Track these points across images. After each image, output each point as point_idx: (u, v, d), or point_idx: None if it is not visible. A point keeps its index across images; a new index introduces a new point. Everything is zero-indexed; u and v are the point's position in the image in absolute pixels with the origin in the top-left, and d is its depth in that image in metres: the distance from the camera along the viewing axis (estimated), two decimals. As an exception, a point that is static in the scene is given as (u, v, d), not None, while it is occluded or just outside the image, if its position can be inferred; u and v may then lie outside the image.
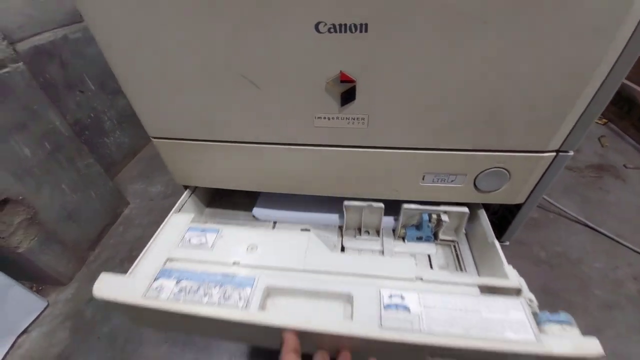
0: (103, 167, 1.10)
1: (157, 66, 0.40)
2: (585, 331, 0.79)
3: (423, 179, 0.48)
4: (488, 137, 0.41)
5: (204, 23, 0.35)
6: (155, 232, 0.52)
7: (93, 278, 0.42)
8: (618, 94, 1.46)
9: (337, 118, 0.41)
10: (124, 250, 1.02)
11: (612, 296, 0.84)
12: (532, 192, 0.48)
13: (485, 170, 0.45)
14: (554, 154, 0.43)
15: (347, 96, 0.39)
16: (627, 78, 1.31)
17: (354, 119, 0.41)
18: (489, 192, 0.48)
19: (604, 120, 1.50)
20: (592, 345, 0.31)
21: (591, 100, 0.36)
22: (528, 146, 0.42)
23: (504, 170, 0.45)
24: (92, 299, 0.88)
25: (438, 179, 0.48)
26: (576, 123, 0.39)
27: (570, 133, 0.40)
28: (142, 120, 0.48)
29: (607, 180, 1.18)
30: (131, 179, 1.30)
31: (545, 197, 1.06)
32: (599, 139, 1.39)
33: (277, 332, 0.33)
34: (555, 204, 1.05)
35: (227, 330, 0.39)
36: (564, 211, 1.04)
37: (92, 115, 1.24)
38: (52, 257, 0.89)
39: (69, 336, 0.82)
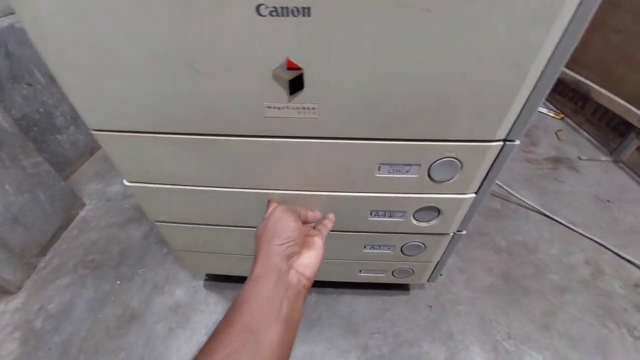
0: (55, 166, 1.02)
1: (92, 52, 0.36)
2: (542, 314, 0.83)
3: (379, 170, 0.47)
4: (438, 126, 0.41)
5: (140, 4, 0.32)
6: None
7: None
8: (574, 90, 1.55)
9: (288, 108, 0.40)
10: (78, 255, 0.95)
11: (566, 280, 0.88)
12: (483, 182, 0.49)
13: (438, 160, 0.45)
14: (501, 143, 0.43)
15: (296, 84, 0.37)
16: (583, 75, 1.38)
17: (304, 109, 0.40)
18: (443, 182, 0.49)
19: (561, 115, 1.59)
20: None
21: (532, 90, 0.37)
22: (476, 136, 0.42)
23: (456, 160, 0.45)
24: (42, 307, 0.83)
25: (393, 170, 0.48)
26: (520, 112, 0.40)
27: (515, 122, 0.41)
28: (78, 110, 0.44)
29: (563, 172, 1.25)
30: (87, 178, 1.22)
31: (506, 188, 1.11)
32: (556, 133, 1.47)
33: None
34: (515, 194, 1.10)
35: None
36: (523, 201, 1.09)
37: (42, 110, 1.15)
38: (-5, 264, 0.82)
39: (18, 347, 0.76)
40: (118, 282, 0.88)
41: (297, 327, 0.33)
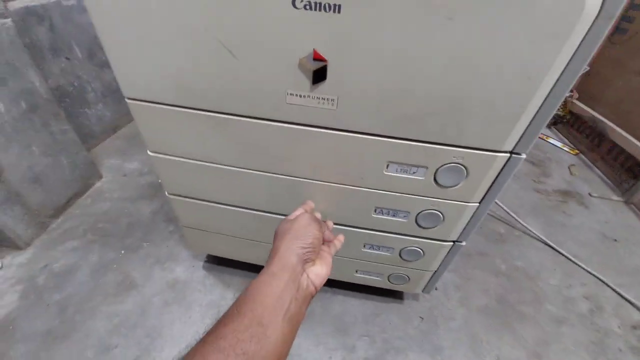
0: (80, 137, 1.08)
1: (137, 23, 0.40)
2: (535, 342, 0.82)
3: (387, 167, 0.50)
4: (448, 131, 0.43)
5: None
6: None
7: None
8: (591, 127, 1.55)
9: (309, 97, 0.43)
10: (89, 222, 0.99)
11: (563, 312, 0.87)
12: (486, 193, 0.51)
13: (445, 164, 0.47)
14: (508, 155, 0.45)
15: (319, 75, 0.40)
16: (601, 114, 1.39)
17: (324, 100, 0.43)
18: (448, 187, 0.50)
19: (576, 150, 1.59)
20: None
21: (542, 104, 0.39)
22: (484, 144, 0.44)
23: (462, 167, 0.47)
24: (47, 266, 0.86)
25: (401, 170, 0.50)
26: (528, 125, 0.42)
27: (522, 135, 0.43)
28: (118, 78, 0.48)
29: (572, 206, 1.24)
30: (108, 153, 1.28)
31: (512, 214, 1.11)
32: (569, 168, 1.47)
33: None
34: (521, 222, 1.09)
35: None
36: (529, 229, 1.09)
37: (76, 84, 1.22)
38: (12, 218, 0.86)
39: (18, 300, 0.79)
40: (123, 251, 0.91)
41: (297, 330, 0.34)
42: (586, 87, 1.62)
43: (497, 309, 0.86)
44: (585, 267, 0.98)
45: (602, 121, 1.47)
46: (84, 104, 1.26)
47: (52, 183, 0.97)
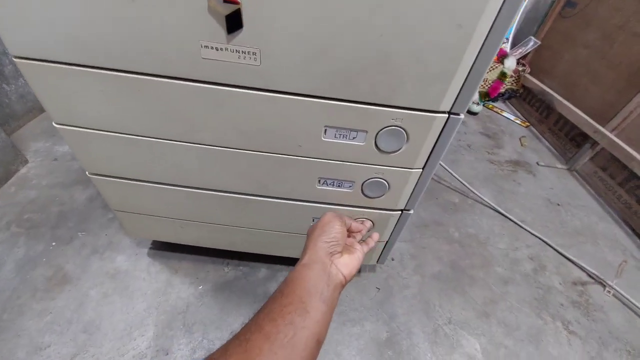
0: (-2, 117, 0.94)
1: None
2: (483, 302, 0.86)
3: (325, 133, 0.46)
4: (382, 89, 0.40)
5: None
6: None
7: None
8: (540, 100, 1.62)
9: (226, 49, 0.37)
10: (13, 213, 0.88)
11: (509, 273, 0.92)
12: (429, 157, 0.49)
13: (384, 128, 0.45)
14: (446, 115, 0.43)
15: (233, 21, 0.35)
16: (550, 87, 1.44)
17: (244, 53, 0.38)
18: (390, 153, 0.48)
19: (527, 123, 1.66)
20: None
21: (477, 57, 0.37)
22: (421, 105, 0.42)
23: (402, 130, 0.45)
24: (-41, 264, 0.75)
25: (340, 135, 0.46)
26: (464, 83, 0.40)
27: (459, 93, 0.41)
28: (0, 32, 0.39)
29: (521, 175, 1.30)
30: (34, 135, 1.13)
31: (466, 184, 1.14)
32: (520, 139, 1.53)
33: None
34: (475, 191, 1.13)
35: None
36: (481, 198, 1.12)
37: (-13, 55, 1.05)
38: None
39: None
40: (53, 243, 0.82)
41: (332, 312, 0.39)
42: (538, 61, 1.67)
43: (449, 275, 0.88)
44: (531, 230, 1.04)
45: (550, 94, 1.53)
46: (1, 79, 1.09)
47: (-40, 170, 0.84)
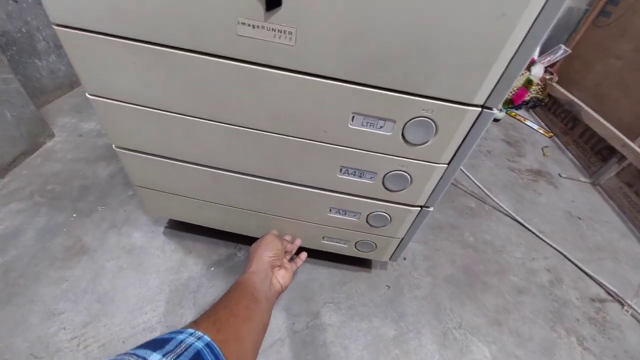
0: (29, 91, 0.97)
1: None
2: (496, 310, 0.84)
3: (352, 120, 0.46)
4: (417, 77, 0.39)
5: None
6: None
7: None
8: (566, 111, 1.57)
9: (263, 27, 0.37)
10: (37, 183, 0.91)
11: (524, 283, 0.89)
12: (455, 153, 0.48)
13: (414, 118, 0.44)
14: (479, 109, 0.42)
15: (273, -1, 0.35)
16: (578, 97, 1.39)
17: (280, 32, 0.37)
18: (417, 145, 0.47)
19: (550, 133, 1.61)
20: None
21: (518, 48, 0.36)
22: (455, 96, 0.41)
23: (431, 122, 0.44)
24: (-14, 228, 0.78)
25: (367, 123, 0.46)
26: (502, 74, 0.38)
27: (494, 88, 0.40)
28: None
29: (542, 185, 1.27)
30: (62, 111, 1.16)
31: (484, 189, 1.11)
32: (542, 149, 1.49)
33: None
34: (493, 197, 1.10)
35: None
36: (499, 205, 1.10)
37: (24, 30, 1.09)
38: (-58, 174, 0.77)
39: (-49, 265, 0.72)
40: (74, 215, 0.84)
41: (271, 312, 0.50)
42: (567, 70, 1.62)
43: (462, 279, 0.87)
44: (549, 242, 1.01)
45: (578, 104, 1.48)
46: (34, 54, 1.13)
47: (-7, 138, 0.87)
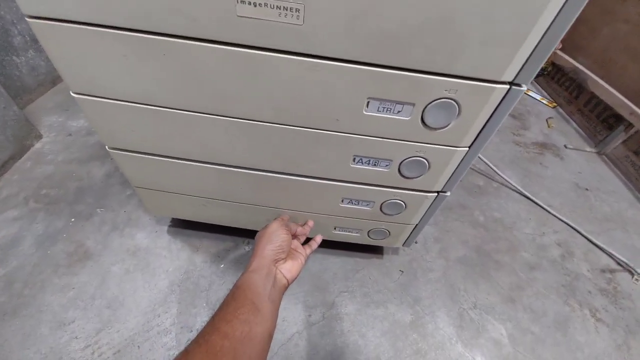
0: (10, 91, 0.91)
1: None
2: (509, 288, 0.84)
3: (367, 106, 0.42)
4: (440, 55, 0.36)
5: None
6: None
7: None
8: (571, 79, 1.52)
9: (265, 5, 0.33)
10: (30, 188, 0.87)
11: (536, 259, 0.89)
12: (478, 135, 0.45)
13: (435, 100, 0.40)
14: (507, 86, 0.39)
15: (277, -29, 0.30)
16: (583, 64, 1.33)
17: (286, 9, 0.33)
18: (437, 129, 0.44)
19: (554, 103, 1.57)
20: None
21: (554, 19, 0.32)
22: (481, 73, 0.37)
23: (454, 103, 0.40)
24: (-18, 239, 0.75)
25: (384, 108, 0.42)
26: (534, 49, 0.35)
27: (526, 62, 0.36)
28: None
29: (548, 157, 1.25)
30: (47, 109, 1.10)
31: (492, 166, 1.09)
32: (546, 120, 1.46)
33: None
34: (500, 173, 1.08)
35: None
36: (507, 181, 1.08)
37: (-5, 24, 1.00)
38: None
39: (-50, 280, 0.69)
40: (73, 219, 0.81)
41: (278, 309, 0.45)
42: (571, 36, 1.55)
43: (474, 259, 0.86)
44: (558, 216, 1.00)
45: (583, 72, 1.43)
46: (10, 51, 1.05)
47: (-24, 144, 0.82)
